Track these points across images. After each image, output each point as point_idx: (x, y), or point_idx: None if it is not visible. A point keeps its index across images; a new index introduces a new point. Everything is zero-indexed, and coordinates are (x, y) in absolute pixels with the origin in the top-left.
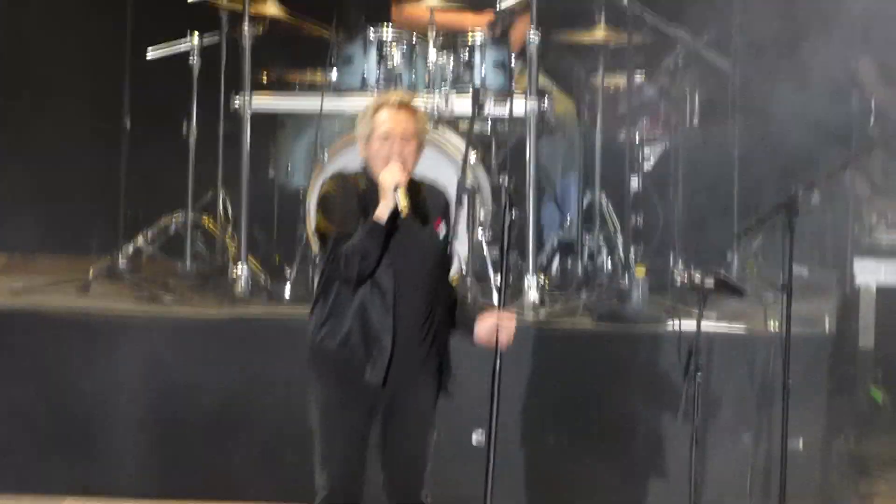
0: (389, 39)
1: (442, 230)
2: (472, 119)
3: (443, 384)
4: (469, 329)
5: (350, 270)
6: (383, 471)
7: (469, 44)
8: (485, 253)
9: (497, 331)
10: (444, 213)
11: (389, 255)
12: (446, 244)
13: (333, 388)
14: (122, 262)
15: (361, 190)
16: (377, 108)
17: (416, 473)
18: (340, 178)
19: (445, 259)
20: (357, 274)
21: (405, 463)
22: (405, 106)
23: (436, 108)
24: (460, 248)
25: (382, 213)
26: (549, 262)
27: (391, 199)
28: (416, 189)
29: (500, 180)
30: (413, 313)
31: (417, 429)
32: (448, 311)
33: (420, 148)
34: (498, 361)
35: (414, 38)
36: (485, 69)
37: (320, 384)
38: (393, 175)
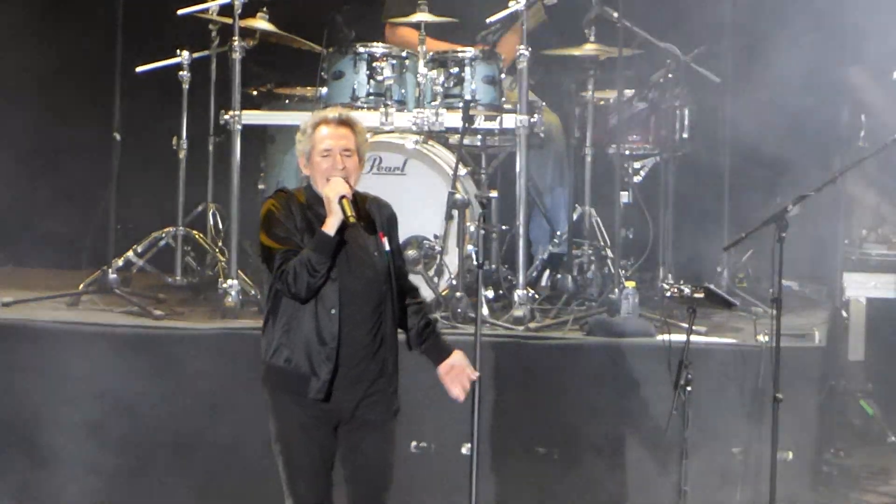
0: (380, 55)
1: (386, 244)
2: (462, 133)
3: (393, 404)
4: (434, 359)
5: (299, 286)
6: (346, 486)
7: (459, 59)
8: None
9: (458, 379)
10: (389, 227)
11: (335, 271)
12: (392, 257)
13: (289, 407)
14: (112, 275)
15: (304, 206)
16: (317, 125)
17: (379, 488)
18: (283, 195)
19: (390, 272)
20: (305, 290)
21: (369, 478)
22: (344, 122)
23: (426, 122)
24: (450, 263)
25: (331, 225)
26: (539, 275)
27: (338, 211)
28: (360, 203)
29: (488, 194)
30: (360, 328)
31: (379, 443)
32: (396, 324)
33: (361, 161)
34: (476, 375)
35: (404, 54)
36: (475, 84)
37: (275, 404)
38: (337, 188)
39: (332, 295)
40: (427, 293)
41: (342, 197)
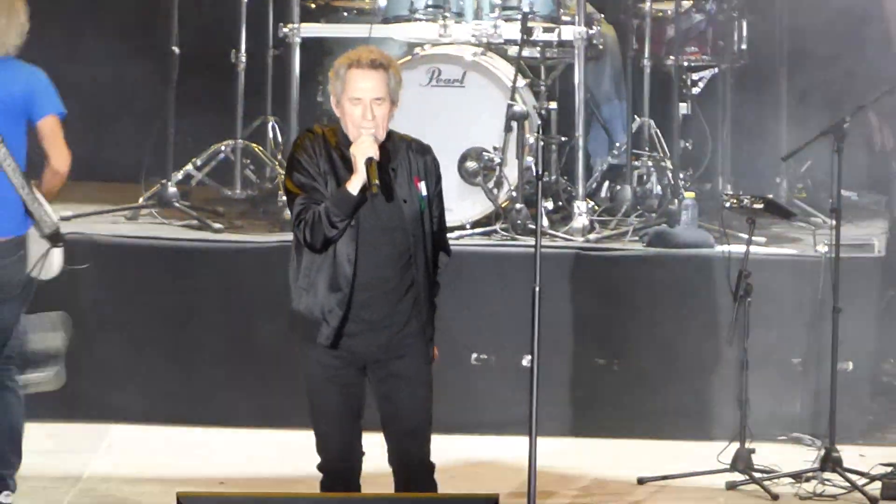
0: None
1: (422, 189)
2: (520, 45)
3: (428, 353)
4: None
5: (315, 237)
6: (386, 440)
7: None
8: (534, 178)
9: None
10: (426, 172)
11: (354, 218)
12: (428, 203)
13: (310, 353)
14: (171, 189)
15: (333, 147)
16: (348, 66)
17: (418, 439)
18: (311, 136)
19: (422, 219)
20: (321, 242)
21: (404, 429)
22: (376, 65)
23: (484, 34)
24: (510, 174)
25: (354, 184)
26: (599, 187)
27: (362, 173)
28: (395, 147)
29: (547, 105)
30: (382, 273)
31: (413, 394)
32: (433, 270)
33: (393, 106)
34: (537, 287)
35: None
36: None
37: (300, 349)
38: (364, 149)
39: (350, 241)
40: (484, 207)
41: (369, 159)
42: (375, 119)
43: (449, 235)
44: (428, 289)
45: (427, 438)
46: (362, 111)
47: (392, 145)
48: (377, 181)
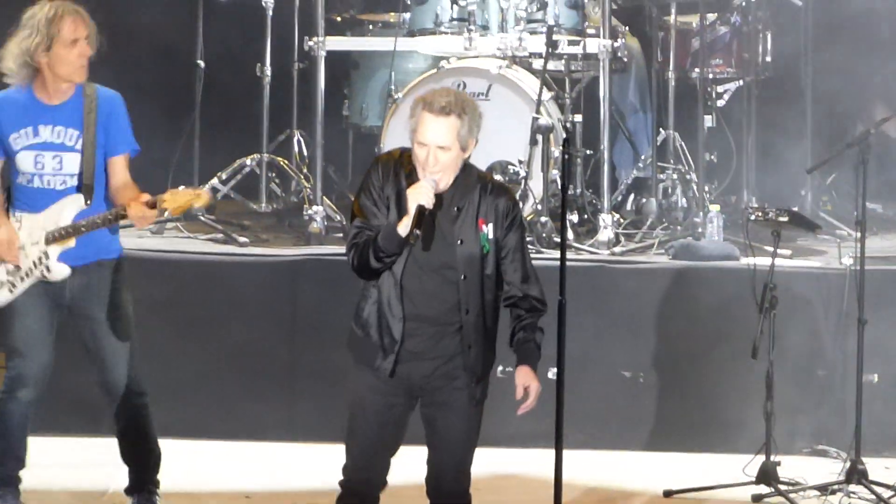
0: None
1: (489, 231)
2: (545, 57)
3: (477, 393)
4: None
5: (360, 265)
6: (427, 465)
7: None
8: (559, 191)
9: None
10: (496, 214)
11: (410, 248)
12: (496, 246)
13: (361, 371)
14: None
15: (406, 174)
16: (422, 108)
17: (452, 472)
18: (388, 159)
19: (483, 262)
20: (367, 272)
21: (444, 457)
22: (447, 111)
23: (509, 47)
24: (535, 187)
25: (403, 226)
26: (624, 200)
27: (412, 218)
28: (468, 185)
29: (572, 118)
30: (431, 305)
31: (451, 427)
32: (493, 316)
33: (464, 151)
34: (563, 300)
35: None
36: (558, 8)
37: (353, 363)
38: (418, 195)
39: (399, 273)
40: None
41: (420, 206)
42: (438, 164)
43: None
44: (481, 333)
45: (463, 472)
46: (426, 156)
47: (465, 184)
48: (418, 231)
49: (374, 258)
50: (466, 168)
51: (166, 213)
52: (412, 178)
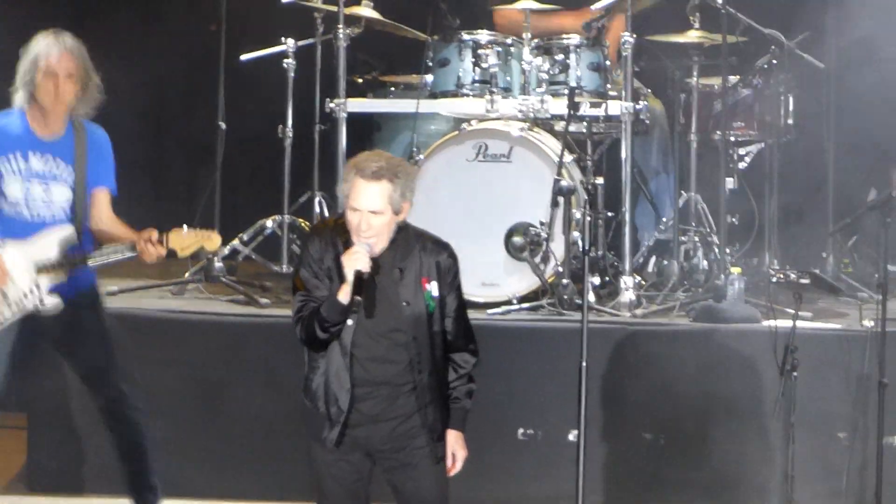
0: (485, 42)
1: (433, 289)
2: (567, 120)
3: (438, 451)
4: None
5: (309, 337)
6: None
7: (564, 46)
8: (580, 253)
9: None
10: (438, 272)
11: (353, 318)
12: (441, 304)
13: (314, 444)
14: (217, 264)
15: (342, 242)
16: (354, 173)
17: None
18: (321, 230)
19: (431, 319)
20: (316, 343)
21: None
22: (378, 176)
23: (531, 109)
24: (556, 249)
25: (345, 293)
26: (646, 262)
27: (351, 285)
28: (407, 246)
29: (594, 180)
30: (379, 376)
31: (418, 487)
32: (445, 372)
33: (397, 215)
34: (584, 363)
35: (509, 41)
36: (580, 71)
37: (309, 444)
38: (354, 262)
39: (348, 341)
40: (531, 283)
41: (358, 272)
42: (371, 229)
43: (495, 311)
44: (435, 391)
45: None
46: (358, 221)
47: (404, 244)
48: (359, 297)
49: (320, 329)
50: (403, 229)
51: (184, 253)
52: (349, 245)
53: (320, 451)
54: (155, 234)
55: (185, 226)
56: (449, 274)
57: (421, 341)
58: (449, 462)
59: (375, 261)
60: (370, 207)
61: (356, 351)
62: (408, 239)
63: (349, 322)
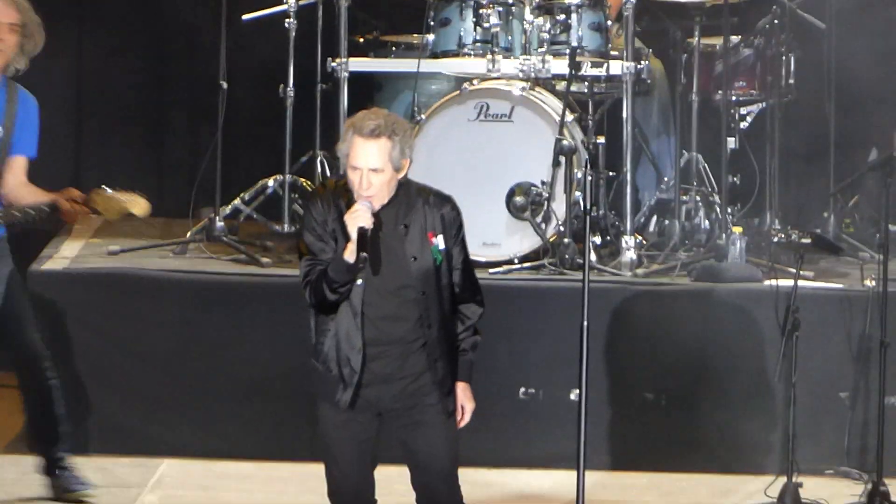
0: (486, 2)
1: (439, 243)
2: (568, 80)
3: (449, 405)
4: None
5: (318, 299)
6: (414, 487)
7: (566, 6)
8: (582, 213)
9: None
10: (443, 225)
11: (362, 273)
12: (447, 256)
13: (324, 405)
14: (219, 223)
15: (345, 203)
16: (353, 132)
17: (440, 487)
18: (324, 191)
19: (439, 273)
20: (326, 305)
21: (426, 479)
22: (376, 134)
23: (532, 69)
24: (558, 209)
25: (350, 251)
26: (647, 221)
27: (355, 244)
28: (410, 201)
29: (595, 140)
30: (394, 327)
31: (430, 444)
32: (454, 327)
33: (397, 172)
34: (585, 323)
35: (511, 0)
36: (581, 31)
37: (317, 400)
38: (356, 220)
39: (357, 300)
40: (532, 242)
41: (361, 229)
42: (371, 187)
43: (497, 270)
44: (445, 344)
45: (454, 486)
46: (359, 179)
47: (407, 200)
48: (364, 254)
49: (329, 290)
50: (405, 185)
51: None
52: (351, 205)
53: (331, 412)
54: (77, 193)
55: (106, 187)
56: (453, 226)
57: (430, 296)
58: (458, 414)
59: (377, 216)
60: (370, 165)
61: (367, 310)
62: (410, 195)
63: (358, 282)
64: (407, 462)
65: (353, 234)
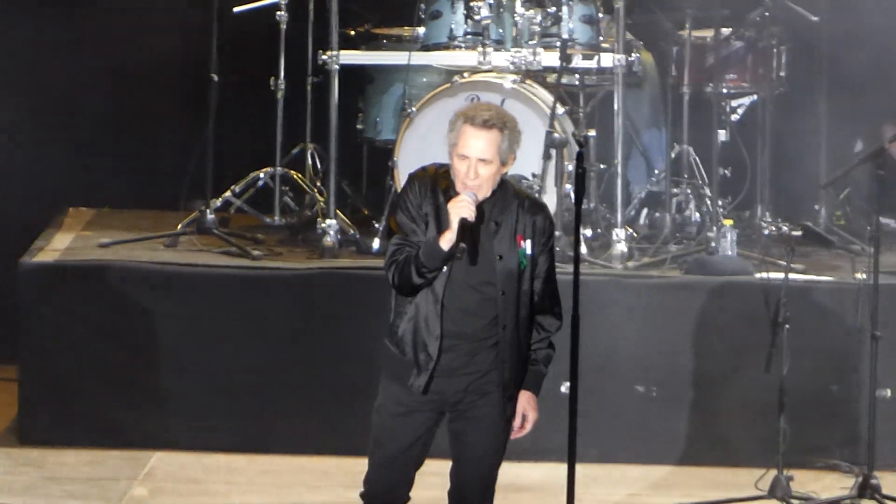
0: None
1: (527, 247)
2: (559, 72)
3: (508, 409)
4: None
5: (402, 282)
6: (451, 479)
7: None
8: (573, 205)
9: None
10: (533, 231)
11: (451, 265)
12: (533, 263)
13: (391, 386)
14: (210, 216)
15: (442, 190)
16: (464, 121)
17: (477, 485)
18: (423, 176)
19: (520, 277)
20: (408, 288)
21: (471, 476)
22: (489, 125)
23: (523, 61)
24: (548, 201)
25: (447, 240)
26: (637, 214)
27: (455, 232)
28: (506, 201)
29: (586, 133)
30: (469, 322)
31: (477, 441)
32: (527, 332)
33: (503, 166)
34: (576, 315)
35: None
36: (572, 23)
37: (384, 378)
38: (460, 210)
39: (440, 289)
40: None
41: (463, 220)
42: (479, 178)
43: None
44: (515, 348)
45: (489, 489)
46: (467, 169)
47: (503, 198)
48: (464, 245)
49: (417, 274)
50: (503, 184)
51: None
52: (448, 194)
53: (397, 395)
54: None
55: None
56: (544, 235)
57: (509, 297)
58: (518, 422)
59: (479, 209)
60: (480, 155)
61: (447, 301)
62: (506, 194)
63: (444, 269)
64: (452, 453)
65: (454, 224)
